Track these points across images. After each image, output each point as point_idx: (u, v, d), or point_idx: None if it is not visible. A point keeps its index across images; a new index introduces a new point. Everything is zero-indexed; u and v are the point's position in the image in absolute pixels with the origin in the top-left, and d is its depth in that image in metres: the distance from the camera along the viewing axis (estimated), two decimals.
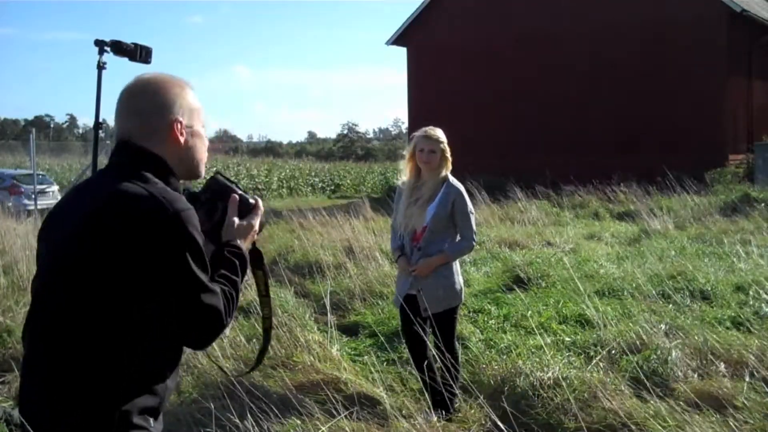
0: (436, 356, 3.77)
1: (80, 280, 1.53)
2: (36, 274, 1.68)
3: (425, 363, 3.72)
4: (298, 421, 3.48)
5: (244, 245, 1.77)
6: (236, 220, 1.77)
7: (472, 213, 3.85)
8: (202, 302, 1.56)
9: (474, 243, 3.86)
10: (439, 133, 3.82)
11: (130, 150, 1.66)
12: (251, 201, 1.81)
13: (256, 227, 1.82)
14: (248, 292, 5.15)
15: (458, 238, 3.87)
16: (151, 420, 1.59)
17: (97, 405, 1.52)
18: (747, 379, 3.66)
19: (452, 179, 3.84)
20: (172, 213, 1.53)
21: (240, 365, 4.35)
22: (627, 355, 4.35)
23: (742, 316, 5.00)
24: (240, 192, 1.80)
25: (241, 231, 1.77)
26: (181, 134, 1.69)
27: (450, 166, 3.86)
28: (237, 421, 3.09)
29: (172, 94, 1.69)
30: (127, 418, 1.53)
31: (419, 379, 3.89)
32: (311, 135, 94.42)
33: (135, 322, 1.55)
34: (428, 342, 3.81)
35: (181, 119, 1.68)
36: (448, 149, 3.83)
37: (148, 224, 1.52)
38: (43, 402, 1.55)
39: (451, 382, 3.72)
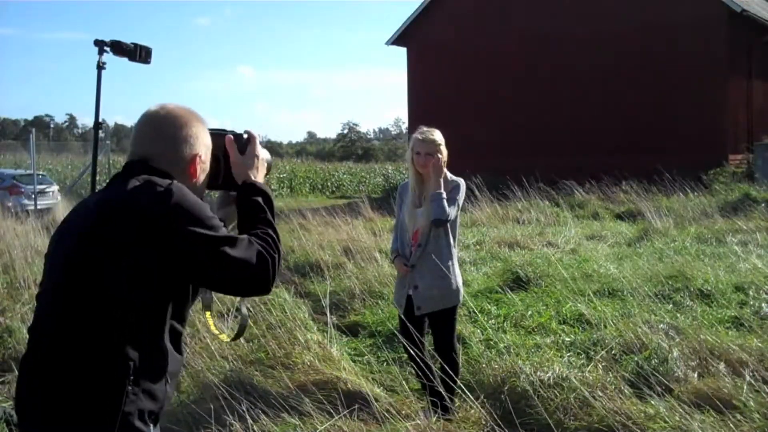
0: (436, 356, 3.76)
1: (90, 276, 1.55)
2: (45, 276, 1.68)
3: (423, 363, 3.71)
4: (298, 421, 3.48)
5: (259, 177, 1.86)
6: (240, 156, 1.84)
7: (457, 202, 3.69)
8: (229, 255, 1.59)
9: (448, 218, 3.61)
10: (436, 136, 3.67)
11: (147, 169, 1.69)
12: (244, 135, 1.88)
13: (261, 155, 1.89)
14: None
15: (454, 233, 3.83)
16: (151, 426, 1.60)
17: (100, 407, 1.52)
18: (747, 379, 3.66)
19: (449, 175, 3.78)
20: (165, 190, 1.58)
21: (239, 365, 4.35)
22: (627, 355, 4.35)
23: (742, 316, 5.00)
24: (229, 132, 1.88)
25: (248, 164, 1.84)
26: (199, 168, 1.77)
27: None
28: (237, 421, 3.09)
29: (198, 129, 1.76)
30: (128, 420, 1.53)
31: (418, 379, 3.89)
32: (311, 135, 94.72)
33: (144, 321, 1.57)
34: (425, 343, 3.80)
35: (201, 155, 1.77)
36: (445, 151, 3.70)
37: (148, 207, 1.57)
38: (43, 403, 1.54)
39: (451, 383, 3.72)
